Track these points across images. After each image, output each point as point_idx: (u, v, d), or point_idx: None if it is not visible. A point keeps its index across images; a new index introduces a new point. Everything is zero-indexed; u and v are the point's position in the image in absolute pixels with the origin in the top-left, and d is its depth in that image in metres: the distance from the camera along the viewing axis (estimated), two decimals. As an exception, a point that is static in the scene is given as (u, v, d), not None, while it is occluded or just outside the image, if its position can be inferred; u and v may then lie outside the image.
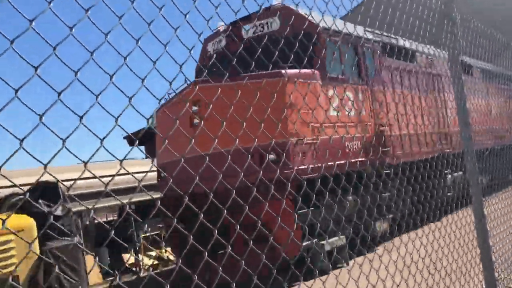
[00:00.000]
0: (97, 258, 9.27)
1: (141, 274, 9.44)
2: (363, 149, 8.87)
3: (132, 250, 9.57)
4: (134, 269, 9.59)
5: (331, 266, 7.43)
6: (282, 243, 6.95)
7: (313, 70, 8.09)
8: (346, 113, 8.51)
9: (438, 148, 11.58)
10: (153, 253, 9.91)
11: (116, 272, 8.84)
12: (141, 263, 9.55)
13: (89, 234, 9.33)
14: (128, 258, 9.61)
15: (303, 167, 7.43)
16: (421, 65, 11.52)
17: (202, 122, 8.01)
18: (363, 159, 8.65)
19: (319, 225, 6.10)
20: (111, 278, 9.22)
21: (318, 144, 7.75)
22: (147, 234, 9.83)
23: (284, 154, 7.21)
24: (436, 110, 11.76)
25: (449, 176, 11.70)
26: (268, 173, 6.75)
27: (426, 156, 10.85)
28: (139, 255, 9.60)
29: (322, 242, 7.62)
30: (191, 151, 8.57)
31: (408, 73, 10.65)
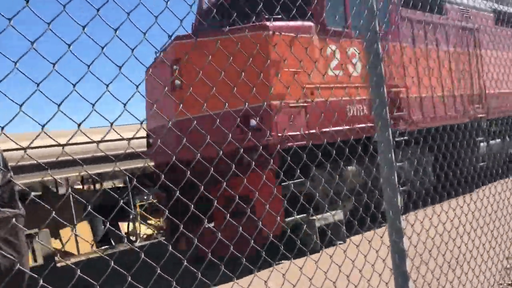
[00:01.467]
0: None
1: (137, 244, 9.07)
2: (371, 113, 7.83)
3: (129, 218, 9.20)
4: (131, 238, 9.24)
5: (321, 245, 6.64)
6: (263, 218, 6.24)
7: (308, 22, 7.08)
8: (350, 72, 7.46)
9: (469, 113, 10.24)
10: (152, 222, 9.52)
11: (112, 241, 8.46)
12: (137, 232, 9.17)
13: (83, 202, 9.01)
14: (124, 226, 9.25)
15: (290, 133, 6.55)
16: (451, 17, 10.07)
17: (182, 84, 7.30)
18: (369, 124, 7.63)
19: (306, 199, 5.42)
20: (104, 247, 8.90)
21: (311, 108, 6.82)
22: (144, 203, 9.40)
23: (264, 119, 6.38)
24: (468, 70, 10.34)
25: (483, 144, 10.38)
26: (247, 142, 5.96)
27: (453, 122, 9.60)
28: (136, 223, 9.22)
29: (313, 218, 6.80)
30: (174, 115, 7.67)
31: (433, 26, 9.30)
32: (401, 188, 8.40)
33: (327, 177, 7.22)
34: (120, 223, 9.42)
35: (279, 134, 6.41)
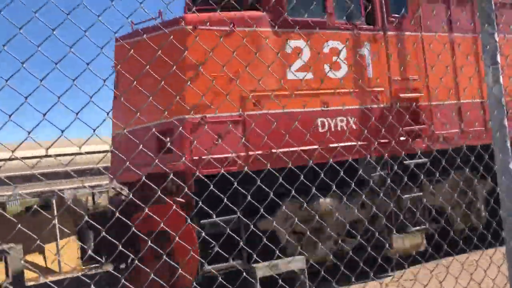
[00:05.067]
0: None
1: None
2: (363, 129, 5.90)
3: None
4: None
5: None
6: (178, 263, 4.98)
7: (256, 12, 5.52)
8: (326, 74, 5.69)
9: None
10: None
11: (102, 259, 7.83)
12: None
13: (74, 214, 8.58)
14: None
15: (216, 156, 5.10)
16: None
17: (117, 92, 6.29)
18: (353, 143, 5.75)
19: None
20: (93, 266, 8.32)
21: (251, 123, 5.26)
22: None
23: (176, 138, 5.08)
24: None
25: None
26: (156, 166, 4.77)
27: None
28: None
29: (254, 265, 5.26)
30: (118, 128, 6.53)
31: (471, 7, 6.84)
32: (415, 228, 6.30)
33: (282, 214, 5.60)
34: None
35: (194, 158, 5.02)
